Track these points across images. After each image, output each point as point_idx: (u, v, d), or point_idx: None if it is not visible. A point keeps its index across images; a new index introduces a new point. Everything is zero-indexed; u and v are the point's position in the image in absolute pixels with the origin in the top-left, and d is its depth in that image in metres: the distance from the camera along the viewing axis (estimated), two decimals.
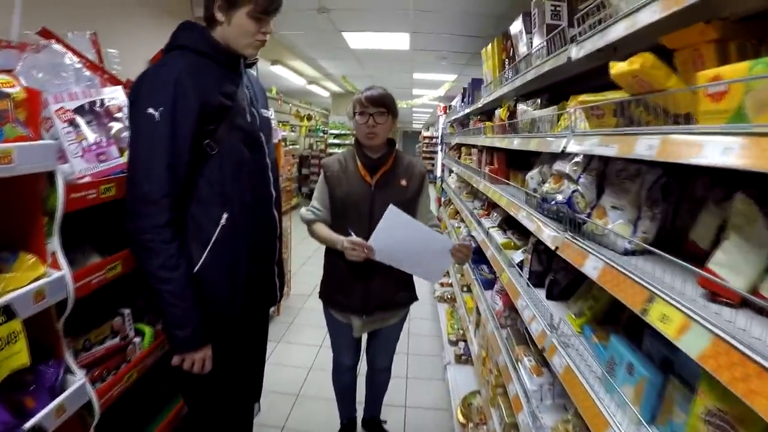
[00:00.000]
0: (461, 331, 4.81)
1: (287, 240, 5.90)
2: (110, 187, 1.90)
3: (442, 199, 8.72)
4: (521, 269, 2.70)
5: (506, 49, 3.23)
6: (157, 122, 1.74)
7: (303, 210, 2.70)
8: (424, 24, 5.74)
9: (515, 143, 2.70)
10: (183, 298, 1.83)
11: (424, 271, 2.57)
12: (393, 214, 2.27)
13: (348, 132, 15.93)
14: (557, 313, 2.10)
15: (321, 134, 18.30)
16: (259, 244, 2.13)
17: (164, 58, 1.91)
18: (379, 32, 6.25)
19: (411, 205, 2.57)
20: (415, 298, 2.86)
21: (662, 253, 1.34)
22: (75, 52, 2.08)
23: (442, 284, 6.43)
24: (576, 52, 1.83)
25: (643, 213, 1.65)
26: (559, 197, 1.90)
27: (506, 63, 3.26)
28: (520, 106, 2.79)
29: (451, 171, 7.39)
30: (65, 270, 1.65)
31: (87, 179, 1.81)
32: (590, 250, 1.63)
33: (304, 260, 7.59)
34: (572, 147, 1.77)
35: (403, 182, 2.59)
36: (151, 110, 1.74)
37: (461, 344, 4.62)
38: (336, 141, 16.92)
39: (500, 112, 3.28)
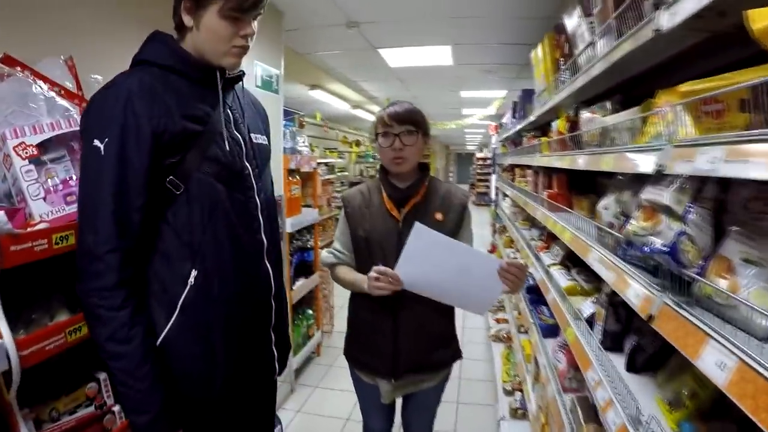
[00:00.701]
0: (518, 379, 4.23)
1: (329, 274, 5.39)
2: (67, 236, 1.56)
3: (497, 225, 8.06)
4: (591, 326, 2.10)
5: (560, 46, 2.61)
6: (102, 157, 1.42)
7: (324, 253, 2.31)
8: (465, 34, 5.19)
9: (580, 162, 2.07)
10: (138, 378, 1.46)
11: (468, 299, 2.04)
12: (420, 233, 1.82)
13: None
14: (643, 396, 1.57)
15: (371, 160, 17.95)
16: (244, 307, 1.70)
17: (117, 76, 1.52)
18: (417, 46, 5.72)
19: None
20: (458, 356, 2.33)
21: None
22: (46, 80, 1.78)
23: (497, 320, 5.78)
24: (668, 19, 1.21)
25: None
26: (657, 242, 1.25)
27: (561, 63, 2.64)
28: (584, 114, 2.16)
29: (505, 195, 6.75)
30: (6, 337, 1.36)
31: (42, 225, 1.52)
32: (710, 329, 1.02)
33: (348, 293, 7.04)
34: (676, 166, 1.14)
35: (439, 216, 2.12)
36: (96, 142, 1.42)
37: (518, 395, 4.05)
38: None
39: (558, 124, 2.64)
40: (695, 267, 1.18)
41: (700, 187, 1.22)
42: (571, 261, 2.96)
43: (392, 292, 1.91)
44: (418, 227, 1.81)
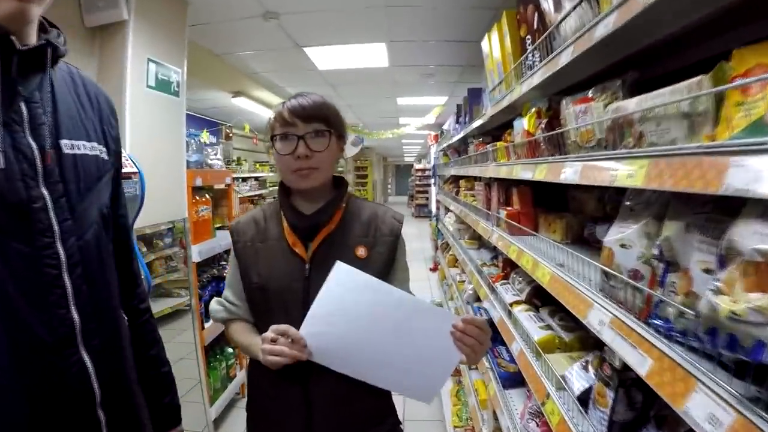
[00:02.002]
0: (471, 423, 3.61)
1: None
2: None
3: (439, 242, 7.45)
4: (585, 406, 1.48)
5: (527, 21, 1.98)
6: None
7: (213, 303, 1.65)
8: (401, 28, 4.59)
9: (567, 173, 1.42)
10: None
11: (409, 378, 1.38)
12: (342, 275, 1.28)
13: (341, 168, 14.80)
14: None
15: None
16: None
17: None
18: (348, 44, 5.07)
19: None
20: (398, 429, 1.63)
21: None
22: None
23: None
24: None
25: None
26: None
27: (528, 42, 2.01)
28: (571, 106, 1.50)
29: (447, 209, 6.14)
30: None
31: None
32: None
33: None
34: None
35: (361, 251, 1.48)
36: None
37: None
38: None
39: (526, 122, 1.99)
40: None
41: None
42: (539, 297, 2.34)
43: (294, 361, 1.31)
44: (340, 268, 1.26)
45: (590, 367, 1.61)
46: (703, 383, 0.82)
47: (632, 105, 1.09)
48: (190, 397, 3.77)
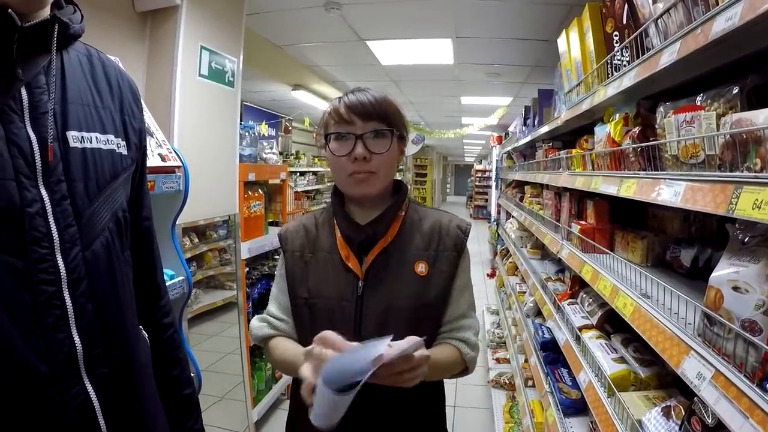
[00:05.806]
0: None
1: None
2: None
3: (498, 248, 7.19)
4: None
5: (614, 15, 1.77)
6: None
7: (254, 320, 1.46)
8: (468, 23, 4.40)
9: (665, 194, 1.20)
10: None
11: None
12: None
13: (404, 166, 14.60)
14: None
15: None
16: None
17: None
18: (412, 39, 4.92)
19: (431, 311, 1.33)
20: None
21: None
22: None
23: (497, 360, 4.86)
24: None
25: None
26: None
27: (615, 39, 1.79)
28: (673, 115, 1.28)
29: (509, 215, 5.90)
30: None
31: None
32: None
33: None
34: None
35: (421, 268, 1.30)
36: None
37: None
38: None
39: (611, 128, 1.77)
40: None
41: None
42: (611, 322, 2.12)
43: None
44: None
45: (673, 414, 1.40)
46: None
47: (761, 118, 0.88)
48: (233, 395, 3.70)
